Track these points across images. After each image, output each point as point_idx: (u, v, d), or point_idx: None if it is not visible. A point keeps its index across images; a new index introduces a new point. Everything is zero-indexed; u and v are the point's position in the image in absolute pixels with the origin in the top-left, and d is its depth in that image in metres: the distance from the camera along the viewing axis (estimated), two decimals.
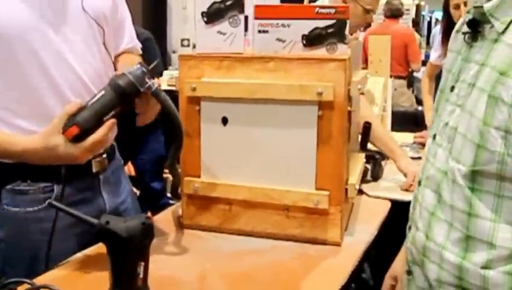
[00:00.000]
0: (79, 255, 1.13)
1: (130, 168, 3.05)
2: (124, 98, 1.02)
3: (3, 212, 1.18)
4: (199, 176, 1.31)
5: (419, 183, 0.99)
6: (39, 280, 0.97)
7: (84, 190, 1.24)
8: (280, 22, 1.21)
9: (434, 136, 0.95)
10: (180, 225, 1.36)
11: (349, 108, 1.24)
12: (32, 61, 1.13)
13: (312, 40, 1.21)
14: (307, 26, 1.20)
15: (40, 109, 1.16)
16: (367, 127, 1.75)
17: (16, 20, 1.11)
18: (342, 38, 1.21)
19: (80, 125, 1.01)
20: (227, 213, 1.32)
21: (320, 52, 1.21)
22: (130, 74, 1.02)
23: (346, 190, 1.27)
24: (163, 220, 1.42)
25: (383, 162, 1.79)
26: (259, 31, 1.22)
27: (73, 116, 1.03)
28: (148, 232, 0.83)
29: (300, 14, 1.20)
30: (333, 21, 1.20)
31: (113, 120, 1.05)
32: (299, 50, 1.22)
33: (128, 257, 0.82)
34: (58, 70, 1.16)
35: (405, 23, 5.37)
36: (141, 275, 0.84)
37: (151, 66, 1.07)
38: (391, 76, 4.24)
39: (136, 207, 1.43)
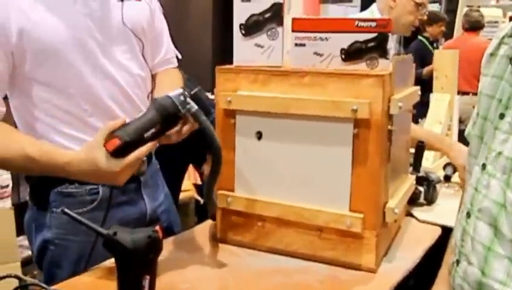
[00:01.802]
0: (107, 263, 1.14)
1: (190, 175, 3.06)
2: (165, 118, 1.04)
3: (52, 214, 1.23)
4: (233, 190, 1.29)
5: (468, 215, 0.92)
6: (59, 286, 0.99)
7: (127, 191, 1.27)
8: (318, 35, 1.17)
9: (483, 166, 0.89)
10: (215, 238, 1.35)
11: (389, 127, 1.17)
12: (75, 73, 1.17)
13: (351, 54, 1.16)
14: (346, 39, 1.15)
15: (83, 119, 1.20)
16: (420, 146, 1.66)
17: (61, 35, 1.15)
18: (383, 53, 1.14)
19: (121, 139, 1.02)
20: (260, 230, 1.29)
21: (360, 67, 1.16)
22: (172, 96, 1.05)
23: (384, 213, 1.20)
24: (200, 232, 1.42)
25: (437, 185, 1.68)
26: (296, 44, 1.19)
27: (114, 131, 1.05)
28: (154, 245, 0.82)
29: (339, 27, 1.16)
30: (374, 35, 1.14)
31: (155, 142, 1.06)
32: (338, 64, 1.17)
33: (133, 269, 0.82)
34: (100, 82, 1.20)
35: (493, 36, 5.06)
36: (146, 289, 0.83)
37: (193, 91, 1.09)
38: (469, 93, 4.04)
39: (172, 209, 1.45)
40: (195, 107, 1.05)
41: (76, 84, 1.18)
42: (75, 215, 0.86)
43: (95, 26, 1.19)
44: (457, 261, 0.94)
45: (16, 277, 0.86)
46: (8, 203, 2.84)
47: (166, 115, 1.04)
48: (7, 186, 2.87)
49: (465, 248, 0.91)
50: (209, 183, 1.12)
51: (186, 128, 1.09)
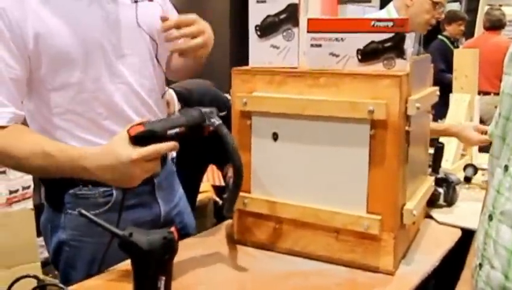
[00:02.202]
0: (122, 264, 1.15)
1: (209, 176, 3.06)
2: (190, 124, 1.07)
3: (66, 215, 1.24)
4: (249, 191, 1.29)
5: (490, 217, 0.90)
6: (76, 287, 1.00)
7: (141, 194, 1.28)
8: (334, 35, 1.16)
9: (506, 168, 0.87)
10: (232, 240, 1.35)
11: (406, 128, 1.16)
12: (89, 78, 1.18)
13: (368, 54, 1.15)
14: (362, 40, 1.14)
15: (98, 122, 1.21)
16: (439, 148, 1.64)
17: (77, 40, 1.16)
18: (400, 53, 1.13)
19: (145, 126, 1.03)
20: (277, 231, 1.28)
21: (377, 67, 1.15)
22: (202, 108, 1.10)
23: (402, 215, 1.19)
24: (217, 233, 1.42)
25: (457, 186, 1.65)
26: (312, 45, 1.18)
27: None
28: (169, 247, 0.83)
29: (355, 27, 1.14)
30: (391, 34, 1.12)
31: (176, 143, 1.05)
32: (354, 65, 1.16)
33: (148, 270, 0.82)
34: (114, 85, 1.21)
35: None
36: None
37: (222, 113, 1.14)
38: (490, 93, 3.98)
39: (187, 211, 1.45)
40: (219, 121, 1.09)
41: (91, 88, 1.19)
42: (92, 216, 0.87)
43: (109, 29, 1.20)
44: (480, 265, 0.92)
45: (34, 277, 0.87)
46: (29, 204, 2.89)
47: (192, 122, 1.07)
48: (29, 187, 2.92)
49: (488, 252, 0.89)
50: (231, 197, 1.13)
51: None
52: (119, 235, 0.83)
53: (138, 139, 1.02)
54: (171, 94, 2.25)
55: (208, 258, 1.25)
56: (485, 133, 1.84)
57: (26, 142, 1.12)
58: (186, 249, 1.29)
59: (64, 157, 1.09)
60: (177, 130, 1.04)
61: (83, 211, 0.87)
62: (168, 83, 1.41)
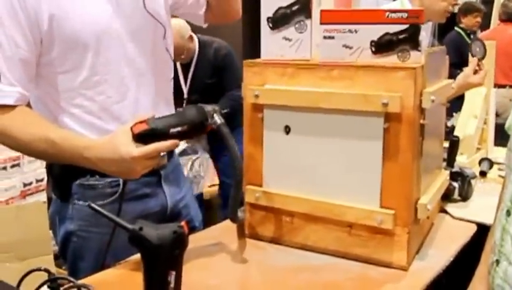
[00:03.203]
0: (134, 257, 1.15)
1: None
2: (192, 122, 1.08)
3: (74, 206, 1.24)
4: (261, 185, 1.28)
5: (508, 213, 0.89)
6: (85, 281, 1.00)
7: (147, 185, 1.28)
8: (347, 27, 1.14)
9: None
10: (243, 234, 1.34)
11: (421, 121, 1.14)
12: (101, 61, 1.18)
13: (382, 46, 1.13)
14: (376, 31, 1.12)
15: (108, 107, 1.21)
16: (454, 141, 1.61)
17: (90, 23, 1.16)
18: (415, 45, 1.11)
19: (149, 124, 1.04)
20: (288, 225, 1.27)
21: (391, 59, 1.12)
22: (204, 106, 1.10)
23: (416, 209, 1.17)
24: (228, 227, 1.41)
25: (472, 181, 1.62)
26: (325, 37, 1.16)
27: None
28: (179, 241, 0.82)
29: (369, 18, 1.12)
30: (405, 26, 1.10)
31: (177, 141, 1.07)
32: (368, 57, 1.14)
33: (158, 264, 0.82)
34: (125, 68, 1.22)
35: None
36: (172, 285, 0.82)
37: (224, 110, 1.16)
38: (506, 86, 3.91)
39: (193, 204, 1.45)
40: (222, 121, 1.09)
41: (103, 71, 1.19)
42: (101, 210, 0.86)
43: (118, 13, 1.20)
44: (497, 261, 0.91)
45: (45, 270, 0.87)
46: (43, 196, 2.90)
47: (195, 121, 1.08)
48: (42, 180, 2.93)
49: (505, 248, 0.88)
50: (234, 198, 1.14)
51: None
52: (129, 229, 0.83)
53: (141, 137, 1.04)
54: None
55: (219, 252, 1.25)
56: (479, 68, 1.90)
57: (32, 126, 1.12)
58: (197, 244, 1.28)
59: (67, 146, 1.10)
60: (179, 128, 1.06)
61: (93, 205, 0.87)
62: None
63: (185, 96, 2.88)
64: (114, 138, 1.06)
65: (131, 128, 1.04)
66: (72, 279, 0.87)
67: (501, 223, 0.90)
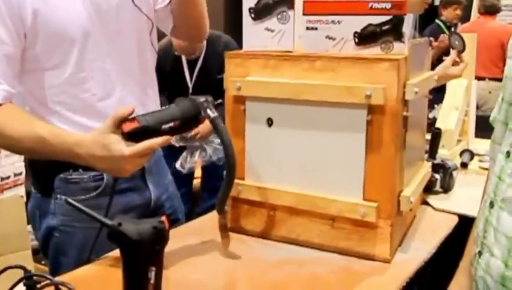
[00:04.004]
0: (113, 253, 1.12)
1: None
2: (185, 116, 1.04)
3: (56, 200, 1.21)
4: (243, 178, 1.26)
5: (491, 204, 0.88)
6: (64, 278, 0.98)
7: (131, 178, 1.24)
8: (330, 18, 1.12)
9: (508, 153, 0.85)
10: (226, 227, 1.32)
11: (404, 113, 1.13)
12: (86, 57, 1.16)
13: (365, 38, 1.11)
14: (359, 22, 1.11)
15: (91, 104, 1.19)
16: (436, 133, 1.61)
17: (76, 18, 1.14)
18: (398, 36, 1.10)
19: (140, 122, 1.00)
20: (271, 219, 1.26)
21: (374, 51, 1.11)
22: (197, 98, 1.06)
23: (399, 202, 1.16)
24: (210, 221, 1.39)
25: (454, 172, 1.63)
26: (308, 28, 1.14)
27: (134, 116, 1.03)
28: (160, 236, 0.80)
29: (352, 9, 1.11)
30: (389, 17, 1.09)
31: (170, 137, 1.03)
32: (351, 49, 1.13)
33: (138, 261, 0.80)
34: (110, 65, 1.19)
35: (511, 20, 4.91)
36: (152, 281, 0.80)
37: (217, 101, 1.14)
38: (485, 78, 3.95)
39: (176, 196, 1.44)
40: (215, 114, 1.06)
41: (89, 67, 1.17)
42: (79, 205, 0.84)
43: (108, 9, 1.17)
44: (480, 253, 0.90)
45: (21, 267, 0.84)
46: (21, 190, 2.85)
47: (187, 115, 1.04)
48: (20, 173, 2.88)
49: (488, 239, 0.88)
50: (223, 193, 1.11)
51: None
52: (107, 225, 0.80)
53: (131, 136, 0.99)
54: None
55: (202, 246, 1.23)
56: (460, 60, 1.91)
57: (20, 123, 1.09)
58: (179, 238, 1.27)
59: (58, 143, 1.07)
60: (171, 124, 1.02)
61: (70, 200, 0.84)
62: None
63: (190, 91, 2.77)
64: (105, 136, 1.02)
65: (121, 127, 1.00)
66: (49, 276, 0.85)
67: (484, 215, 0.91)
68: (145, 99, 1.28)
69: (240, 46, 1.25)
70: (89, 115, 1.19)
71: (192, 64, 2.73)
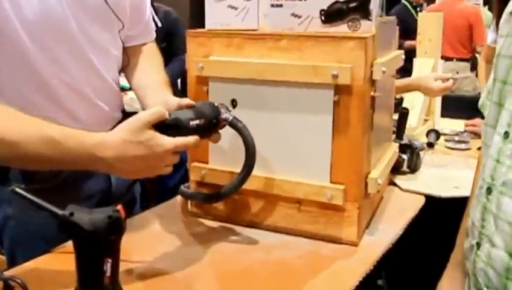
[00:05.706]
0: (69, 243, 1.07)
1: None
2: (208, 116, 1.02)
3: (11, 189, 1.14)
4: (207, 162, 1.22)
5: (489, 190, 0.83)
6: (16, 271, 0.92)
7: None
8: None
9: (506, 134, 0.80)
10: (189, 213, 1.28)
11: (372, 93, 1.10)
12: (48, 56, 1.08)
13: (331, 15, 1.08)
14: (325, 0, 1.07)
15: (56, 102, 1.12)
16: (404, 114, 1.60)
17: (35, 13, 1.05)
18: (365, 14, 1.06)
19: (171, 115, 0.95)
20: (236, 203, 1.22)
21: (341, 29, 1.08)
22: (215, 103, 1.07)
23: (366, 184, 1.14)
24: (173, 206, 1.35)
25: (421, 153, 1.62)
26: (273, 5, 1.10)
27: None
28: (115, 226, 0.75)
29: None
30: None
31: (199, 138, 0.98)
32: (317, 27, 1.09)
33: (93, 252, 0.75)
34: (75, 63, 1.12)
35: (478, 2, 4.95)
36: (108, 273, 0.76)
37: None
38: (453, 58, 3.98)
39: (137, 182, 1.38)
40: (232, 115, 1.05)
41: (54, 69, 1.09)
42: (26, 194, 0.78)
43: (74, 4, 1.09)
44: (478, 244, 0.85)
45: None
46: None
47: (210, 114, 1.03)
48: None
49: (487, 229, 0.82)
50: (237, 184, 1.07)
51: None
52: (58, 215, 0.75)
53: (161, 129, 0.93)
54: None
55: (166, 233, 1.19)
56: (446, 80, 1.87)
57: (20, 123, 0.90)
58: (142, 225, 1.22)
59: (72, 144, 0.88)
60: (197, 121, 0.99)
61: (17, 189, 0.78)
62: None
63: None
64: (138, 133, 0.90)
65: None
66: None
67: (481, 202, 0.85)
68: (108, 97, 1.22)
69: (201, 24, 1.20)
70: (54, 112, 1.11)
71: None
